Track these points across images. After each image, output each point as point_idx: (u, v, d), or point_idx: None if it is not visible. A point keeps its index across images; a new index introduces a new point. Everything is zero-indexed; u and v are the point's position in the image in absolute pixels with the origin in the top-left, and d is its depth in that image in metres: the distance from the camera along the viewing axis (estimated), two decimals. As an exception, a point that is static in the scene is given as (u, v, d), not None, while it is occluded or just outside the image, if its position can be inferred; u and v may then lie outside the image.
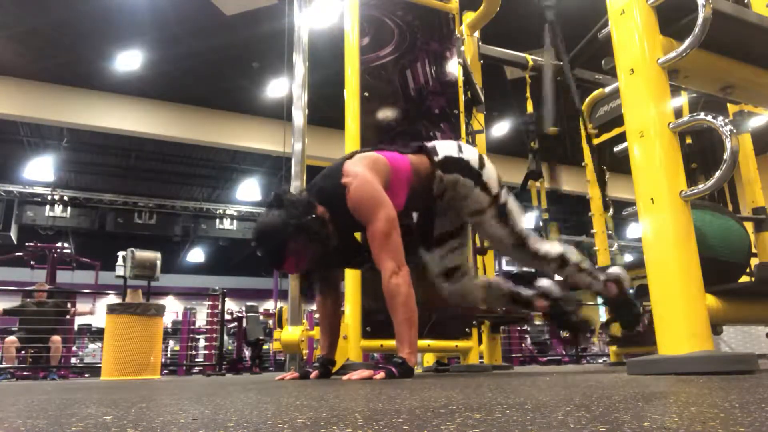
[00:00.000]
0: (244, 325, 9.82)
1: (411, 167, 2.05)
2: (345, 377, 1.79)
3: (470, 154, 2.13)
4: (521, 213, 2.20)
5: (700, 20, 1.60)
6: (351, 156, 2.06)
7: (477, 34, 4.37)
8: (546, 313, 2.34)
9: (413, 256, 2.11)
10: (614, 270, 2.38)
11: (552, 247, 2.23)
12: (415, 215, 2.26)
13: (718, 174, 1.54)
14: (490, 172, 2.13)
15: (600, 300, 2.61)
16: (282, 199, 1.89)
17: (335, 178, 1.95)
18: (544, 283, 2.35)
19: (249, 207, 13.62)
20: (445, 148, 2.13)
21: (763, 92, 2.15)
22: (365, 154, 2.05)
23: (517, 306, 2.39)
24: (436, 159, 2.07)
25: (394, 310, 1.85)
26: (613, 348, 4.56)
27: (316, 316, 11.99)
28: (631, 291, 2.43)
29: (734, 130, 1.55)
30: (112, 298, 11.58)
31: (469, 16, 4.30)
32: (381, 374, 1.72)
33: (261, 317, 10.74)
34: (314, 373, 2.09)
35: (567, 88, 4.13)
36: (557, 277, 2.36)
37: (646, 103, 1.66)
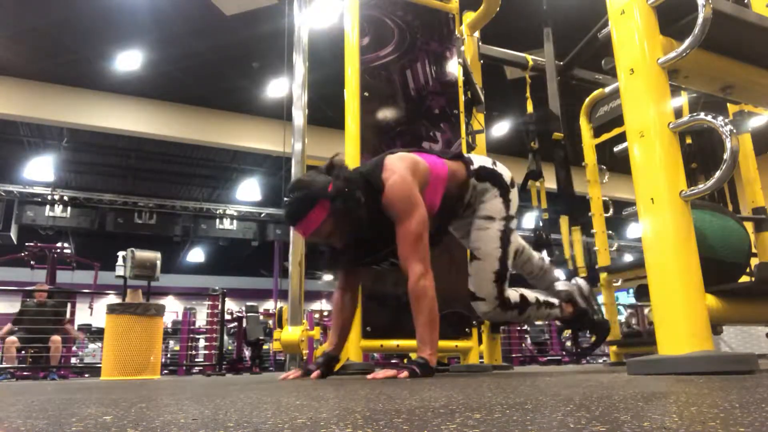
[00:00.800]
0: (244, 325, 9.82)
1: (449, 171, 2.09)
2: (369, 376, 1.82)
3: (504, 170, 2.21)
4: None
5: (700, 20, 1.59)
6: (393, 152, 2.08)
7: (477, 34, 4.36)
8: (569, 318, 2.32)
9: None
10: (561, 287, 2.35)
11: (513, 293, 2.18)
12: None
13: (718, 174, 1.54)
14: (515, 196, 2.20)
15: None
16: (334, 166, 1.90)
17: (376, 170, 1.97)
18: (561, 286, 2.35)
19: (249, 207, 13.63)
20: (480, 159, 2.21)
21: (763, 92, 2.15)
22: (407, 154, 2.07)
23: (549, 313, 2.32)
24: (471, 167, 2.14)
25: (419, 311, 1.88)
26: (613, 348, 4.56)
27: (316, 316, 11.95)
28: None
29: (734, 130, 1.55)
30: (112, 298, 11.58)
31: (469, 16, 4.30)
32: (405, 374, 1.76)
33: (261, 317, 10.74)
34: (316, 373, 2.09)
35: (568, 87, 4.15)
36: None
37: (646, 103, 1.66)
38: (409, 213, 1.89)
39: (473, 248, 2.15)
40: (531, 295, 2.22)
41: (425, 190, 1.99)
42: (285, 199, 1.91)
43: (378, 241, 2.02)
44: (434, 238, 2.09)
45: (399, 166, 1.96)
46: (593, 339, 2.44)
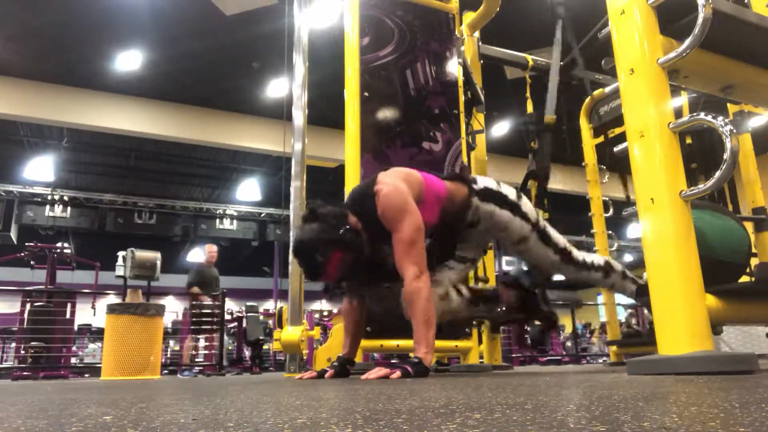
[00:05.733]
0: (244, 325, 9.82)
1: (446, 191, 2.13)
2: (363, 376, 1.82)
3: (508, 189, 2.25)
4: (557, 233, 2.31)
5: (700, 20, 1.59)
6: (386, 169, 2.15)
7: (477, 34, 4.36)
8: (512, 304, 2.35)
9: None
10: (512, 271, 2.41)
11: (596, 257, 2.41)
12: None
13: (718, 174, 1.54)
14: (528, 204, 2.26)
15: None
16: (316, 213, 1.96)
17: (369, 187, 2.03)
18: (511, 271, 2.39)
19: (249, 207, 13.62)
20: (485, 180, 2.26)
21: (763, 92, 2.15)
22: (401, 168, 2.14)
23: (483, 307, 2.38)
24: (475, 187, 2.17)
25: (414, 311, 1.90)
26: (613, 348, 4.56)
27: (316, 316, 11.93)
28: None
29: (734, 130, 1.55)
30: (112, 298, 11.57)
31: (469, 16, 4.30)
32: (397, 373, 1.75)
33: (261, 317, 10.73)
34: (330, 372, 2.12)
35: (570, 87, 4.13)
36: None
37: (646, 103, 1.66)
38: (402, 219, 1.93)
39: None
40: (618, 264, 2.48)
41: (421, 205, 2.01)
42: (296, 259, 2.02)
43: (377, 257, 2.05)
44: (434, 257, 2.11)
45: (391, 178, 2.02)
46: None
